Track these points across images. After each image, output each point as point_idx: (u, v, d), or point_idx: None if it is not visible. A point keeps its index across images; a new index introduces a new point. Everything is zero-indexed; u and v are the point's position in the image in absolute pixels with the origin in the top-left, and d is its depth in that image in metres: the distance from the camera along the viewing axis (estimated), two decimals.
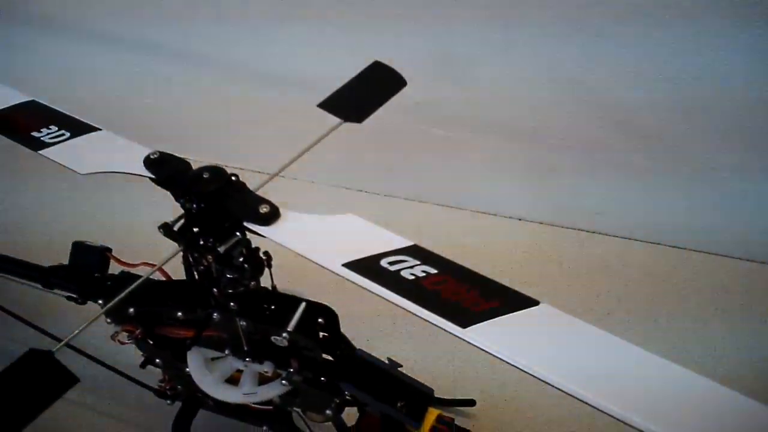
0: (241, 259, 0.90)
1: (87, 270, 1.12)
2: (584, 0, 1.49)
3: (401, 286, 0.70)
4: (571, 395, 0.60)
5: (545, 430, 1.39)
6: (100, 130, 0.98)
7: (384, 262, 0.72)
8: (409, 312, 0.68)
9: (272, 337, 0.94)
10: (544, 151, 1.79)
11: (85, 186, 1.84)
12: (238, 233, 0.86)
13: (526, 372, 0.62)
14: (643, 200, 1.79)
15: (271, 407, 1.12)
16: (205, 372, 1.07)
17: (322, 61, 1.73)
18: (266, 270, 0.97)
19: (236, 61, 1.91)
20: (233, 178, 0.86)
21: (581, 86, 1.62)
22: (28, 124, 0.98)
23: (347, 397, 1.04)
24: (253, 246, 0.93)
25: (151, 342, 1.10)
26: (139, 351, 1.15)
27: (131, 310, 1.03)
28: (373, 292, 0.70)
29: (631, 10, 1.47)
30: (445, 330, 0.66)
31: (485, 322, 0.65)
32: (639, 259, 1.79)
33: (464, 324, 0.65)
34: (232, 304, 0.94)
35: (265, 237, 0.80)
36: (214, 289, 0.95)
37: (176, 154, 0.90)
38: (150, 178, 0.88)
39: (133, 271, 1.09)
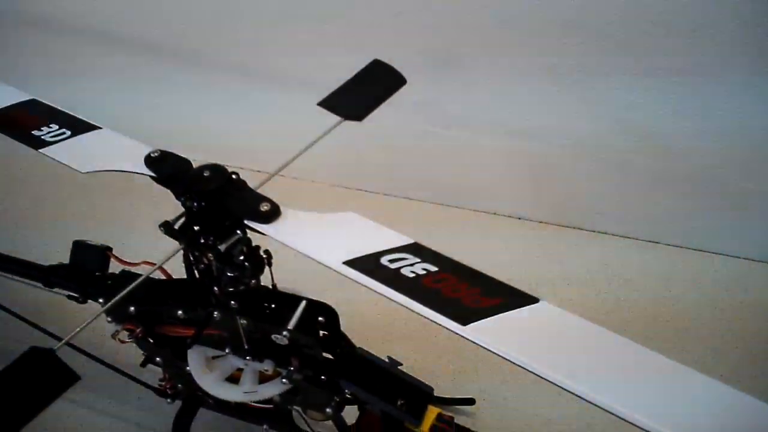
0: (241, 258, 0.91)
1: (87, 269, 1.13)
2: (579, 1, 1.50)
3: (402, 283, 0.70)
4: (570, 392, 0.60)
5: (544, 428, 1.40)
6: (101, 128, 0.98)
7: (384, 260, 0.73)
8: (410, 309, 0.68)
9: (272, 336, 0.95)
10: (545, 151, 1.79)
11: (85, 184, 1.85)
12: (238, 231, 0.87)
13: (525, 369, 0.62)
14: (642, 200, 1.79)
15: (271, 406, 1.12)
16: (206, 370, 1.07)
17: (321, 59, 1.73)
18: (266, 269, 0.97)
19: (236, 59, 1.91)
20: (234, 176, 0.86)
21: (581, 85, 1.63)
22: (28, 122, 0.98)
23: (347, 396, 1.04)
24: (254, 244, 0.93)
25: (152, 341, 1.10)
26: (139, 350, 1.15)
27: (132, 308, 1.04)
28: (373, 290, 0.70)
29: (631, 8, 1.48)
30: (446, 327, 0.66)
31: (485, 320, 0.66)
32: (638, 258, 1.79)
33: (464, 321, 0.66)
34: (232, 302, 0.94)
35: (265, 235, 0.81)
36: (215, 288, 0.95)
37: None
38: (151, 177, 0.89)
39: (133, 270, 1.09)
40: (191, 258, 0.94)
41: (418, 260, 0.72)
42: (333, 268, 0.73)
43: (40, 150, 0.94)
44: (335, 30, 1.73)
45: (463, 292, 0.69)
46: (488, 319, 0.66)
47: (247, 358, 1.02)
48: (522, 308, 0.67)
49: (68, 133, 0.96)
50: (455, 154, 1.88)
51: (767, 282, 1.71)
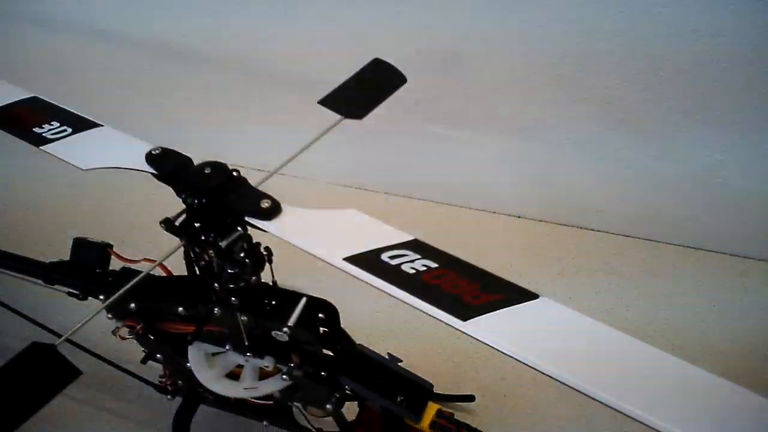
0: (242, 254, 0.91)
1: (88, 266, 1.13)
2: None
3: (402, 279, 0.70)
4: (570, 387, 0.60)
5: (544, 425, 1.40)
6: (102, 126, 0.98)
7: (385, 257, 0.73)
8: (410, 305, 0.68)
9: (273, 332, 0.95)
10: (544, 148, 1.79)
11: (86, 182, 1.86)
12: (239, 228, 0.87)
13: (525, 364, 0.62)
14: (642, 198, 1.80)
15: (271, 402, 1.12)
16: (206, 367, 1.07)
17: (322, 58, 1.73)
18: (267, 266, 0.97)
19: (236, 58, 1.92)
20: (234, 173, 0.86)
21: (581, 84, 1.63)
22: (29, 120, 0.98)
23: (347, 392, 1.04)
24: (254, 241, 0.94)
25: (152, 337, 1.10)
26: (139, 347, 1.15)
27: (132, 305, 1.04)
28: (373, 286, 0.71)
29: (630, 6, 1.48)
30: (445, 323, 0.66)
31: (485, 315, 0.66)
32: (638, 256, 1.79)
33: (464, 317, 0.66)
34: (233, 299, 0.95)
35: (266, 232, 0.81)
36: (215, 284, 0.95)
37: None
38: (152, 174, 0.89)
39: (134, 267, 1.10)
40: (192, 255, 0.95)
41: (418, 257, 0.73)
42: (333, 264, 0.74)
43: (41, 147, 0.95)
44: (336, 28, 1.74)
45: (463, 288, 0.69)
46: (488, 314, 0.66)
47: (248, 354, 1.02)
48: (521, 304, 0.67)
49: (69, 130, 0.97)
50: (455, 152, 1.88)
51: (767, 281, 1.71)
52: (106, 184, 1.87)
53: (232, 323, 0.99)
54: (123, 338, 1.10)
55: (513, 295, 0.68)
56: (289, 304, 0.95)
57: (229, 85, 1.98)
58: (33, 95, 1.04)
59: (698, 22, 1.45)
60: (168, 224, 0.88)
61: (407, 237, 0.76)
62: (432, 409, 1.01)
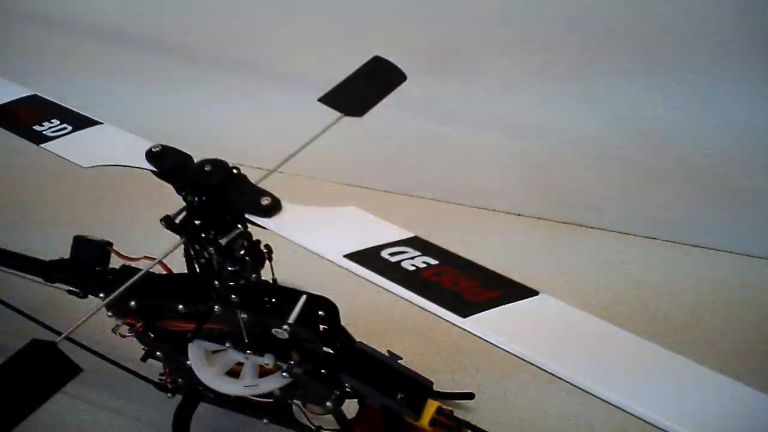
0: (242, 252, 0.91)
1: (88, 264, 1.13)
2: None
3: (402, 276, 0.70)
4: (570, 383, 0.60)
5: (543, 423, 1.40)
6: (102, 123, 0.98)
7: (385, 253, 0.73)
8: (410, 302, 0.68)
9: (273, 330, 0.95)
10: (543, 147, 1.79)
11: (86, 180, 1.86)
12: (239, 226, 0.87)
13: (525, 360, 0.62)
14: (641, 196, 1.80)
15: (271, 400, 1.12)
16: (206, 365, 1.08)
17: (322, 55, 1.73)
18: (267, 264, 0.97)
19: (236, 55, 1.92)
20: (234, 170, 0.86)
21: (580, 82, 1.63)
22: (30, 117, 0.98)
23: (347, 390, 1.04)
24: (254, 239, 0.94)
25: (152, 335, 1.10)
26: (139, 344, 1.16)
27: (132, 303, 1.04)
28: (373, 283, 0.71)
29: (632, 6, 1.48)
30: (445, 319, 0.66)
31: (485, 312, 0.66)
32: (636, 254, 1.80)
33: (464, 314, 0.66)
34: (233, 296, 0.95)
35: (266, 229, 0.81)
36: (215, 282, 0.96)
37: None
38: (152, 171, 0.89)
39: (134, 264, 1.10)
40: (192, 252, 0.95)
41: (418, 253, 0.73)
42: (334, 261, 0.74)
43: (41, 145, 0.95)
44: (336, 26, 1.74)
45: (463, 285, 0.69)
46: (488, 311, 0.66)
47: (248, 352, 1.02)
48: (521, 300, 0.67)
49: (69, 128, 0.97)
50: (454, 150, 1.88)
51: (766, 278, 1.71)
52: (105, 182, 1.87)
53: (232, 321, 0.99)
54: (123, 336, 1.10)
55: (512, 291, 0.68)
56: (289, 302, 0.95)
57: (229, 83, 1.98)
58: (33, 93, 1.04)
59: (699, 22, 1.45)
60: (168, 222, 0.88)
61: (407, 234, 0.76)
62: (432, 406, 1.01)
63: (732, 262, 1.75)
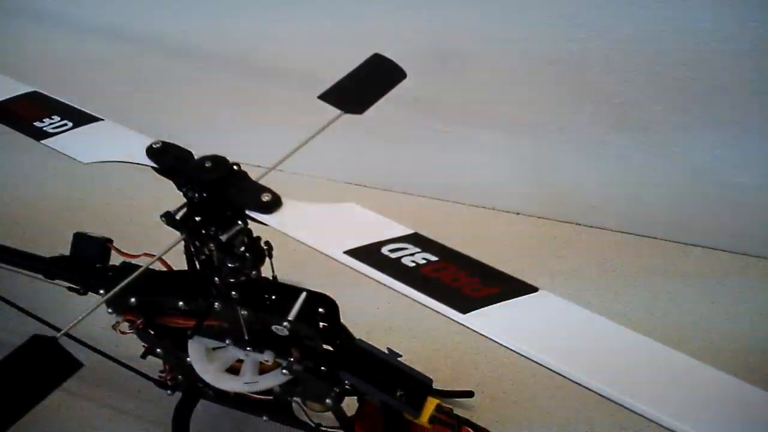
0: (242, 248, 0.91)
1: (88, 261, 1.13)
2: None
3: (402, 272, 0.70)
4: (569, 379, 0.60)
5: (543, 421, 1.40)
6: (103, 120, 0.99)
7: (385, 250, 0.73)
8: (410, 298, 0.69)
9: (273, 327, 0.95)
10: (543, 146, 1.79)
11: (86, 176, 1.86)
12: (239, 222, 0.87)
13: (524, 356, 0.63)
14: (640, 194, 1.80)
15: (271, 397, 1.12)
16: (206, 361, 1.07)
17: (322, 53, 1.73)
18: (267, 261, 0.98)
19: (237, 53, 1.92)
20: (235, 167, 0.86)
21: (580, 81, 1.63)
22: (30, 114, 0.99)
23: (347, 387, 1.04)
24: (254, 236, 0.94)
25: (152, 332, 1.10)
26: (139, 341, 1.16)
27: (132, 300, 1.04)
28: (374, 279, 0.71)
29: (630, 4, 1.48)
30: (445, 315, 0.67)
31: (485, 308, 0.66)
32: (636, 252, 1.80)
33: (464, 310, 0.66)
34: (233, 293, 0.95)
35: (267, 225, 0.81)
36: (216, 279, 0.96)
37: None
38: (152, 168, 0.89)
39: (134, 261, 1.10)
40: (192, 249, 0.95)
41: (418, 250, 0.73)
42: (334, 257, 0.74)
43: (42, 141, 0.95)
44: (336, 24, 1.74)
45: (463, 281, 0.69)
46: (488, 307, 0.66)
47: (248, 349, 1.03)
48: (521, 297, 0.67)
49: (70, 124, 0.97)
50: (454, 149, 1.88)
51: (764, 277, 1.71)
52: (106, 179, 1.87)
53: (233, 318, 0.99)
54: (123, 333, 1.10)
55: (512, 288, 0.68)
56: (289, 299, 0.95)
57: (229, 81, 1.98)
58: (34, 89, 1.04)
59: (699, 23, 1.45)
60: (169, 218, 0.88)
61: (407, 230, 0.76)
62: (431, 404, 1.00)
63: (730, 261, 1.75)
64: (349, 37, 1.69)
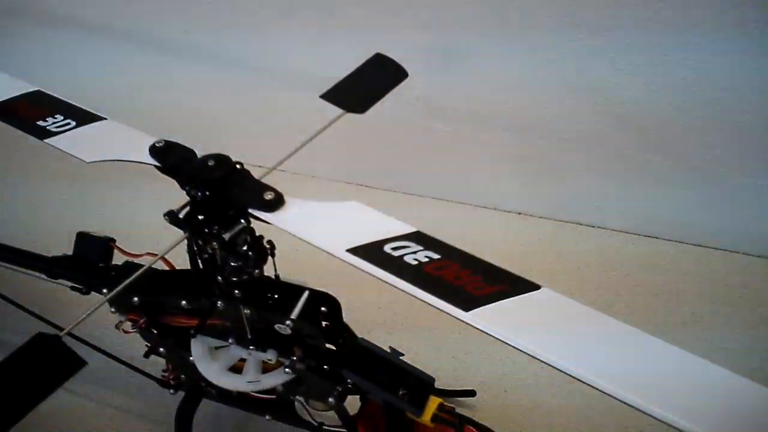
0: (245, 247, 0.91)
1: (91, 260, 1.13)
2: None
3: (404, 271, 0.71)
4: (572, 376, 0.60)
5: (545, 420, 1.40)
6: (106, 119, 0.99)
7: (387, 248, 0.73)
8: (412, 296, 0.69)
9: (276, 326, 0.95)
10: (544, 146, 1.80)
11: (89, 176, 1.86)
12: (242, 221, 0.87)
13: (527, 353, 0.63)
14: (641, 194, 1.80)
15: (274, 396, 1.13)
16: (209, 360, 1.08)
17: (324, 53, 1.73)
18: (270, 260, 0.98)
19: (238, 52, 1.92)
20: (238, 166, 0.87)
21: (581, 81, 1.63)
22: (33, 113, 0.99)
23: (349, 386, 1.04)
24: (257, 234, 0.94)
25: (155, 331, 1.11)
26: (142, 341, 1.16)
27: (135, 299, 1.04)
28: (376, 277, 0.71)
29: (630, 5, 1.48)
30: (448, 313, 0.67)
31: (487, 306, 0.66)
32: (637, 252, 1.80)
33: (466, 307, 0.66)
34: (236, 292, 0.95)
35: (269, 223, 0.81)
36: (218, 278, 0.96)
37: None
38: (155, 166, 0.89)
39: (136, 261, 1.10)
40: (195, 248, 0.95)
41: (421, 248, 0.73)
42: (336, 255, 0.74)
43: (45, 140, 0.95)
44: (338, 23, 1.74)
45: (465, 279, 0.69)
46: (490, 305, 0.66)
47: (250, 348, 1.03)
48: (523, 295, 0.68)
49: (73, 123, 0.97)
50: (456, 149, 1.89)
51: (765, 277, 1.71)
52: (109, 178, 1.87)
53: (235, 316, 0.99)
54: (126, 332, 1.11)
55: (515, 285, 0.69)
56: (291, 298, 0.95)
57: (231, 80, 1.98)
58: (36, 89, 1.05)
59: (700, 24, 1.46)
60: (172, 216, 0.88)
61: (410, 229, 0.76)
62: (434, 402, 1.00)
63: (732, 261, 1.75)
64: (351, 36, 1.69)
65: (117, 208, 1.92)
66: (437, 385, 1.02)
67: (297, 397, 1.12)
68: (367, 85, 1.16)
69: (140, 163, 0.89)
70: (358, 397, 1.13)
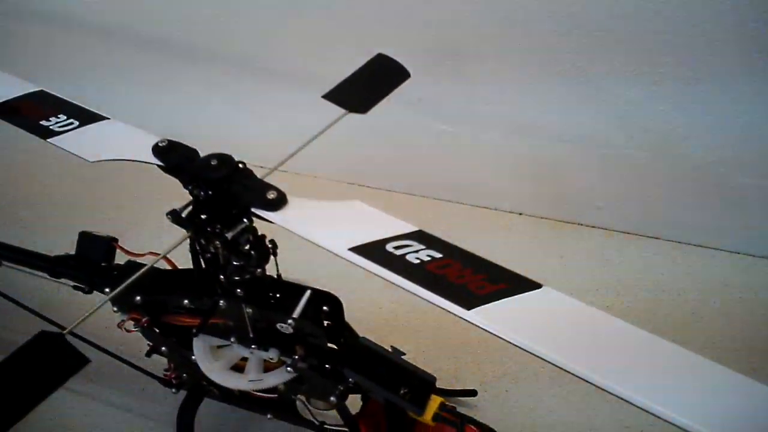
0: (247, 246, 0.92)
1: (93, 260, 1.14)
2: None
3: (407, 269, 0.71)
4: (574, 374, 0.61)
5: (546, 419, 1.41)
6: (109, 119, 0.99)
7: (390, 247, 0.74)
8: (415, 294, 0.69)
9: (278, 325, 0.96)
10: (545, 146, 1.80)
11: (92, 175, 1.86)
12: (245, 220, 0.88)
13: (529, 352, 0.63)
14: (642, 195, 1.80)
15: (275, 395, 1.13)
16: (211, 359, 1.08)
17: (326, 53, 1.74)
18: (272, 260, 0.98)
19: (241, 53, 1.92)
20: (240, 165, 0.87)
21: (582, 81, 1.63)
22: (36, 113, 0.99)
23: (351, 385, 1.05)
24: (259, 234, 0.94)
25: (158, 330, 1.11)
26: (144, 340, 1.16)
27: (138, 298, 1.05)
28: (379, 276, 0.71)
29: (632, 5, 1.49)
30: (450, 312, 0.67)
31: (489, 304, 0.66)
32: (638, 253, 1.80)
33: (469, 306, 0.66)
34: (238, 291, 0.95)
35: (272, 222, 0.81)
36: (221, 277, 0.96)
37: None
38: (158, 166, 0.90)
39: (139, 260, 1.10)
40: (198, 247, 0.95)
41: (423, 247, 0.73)
42: (339, 254, 0.74)
43: (48, 140, 0.95)
44: (341, 24, 1.74)
45: (468, 278, 0.69)
46: (492, 303, 0.66)
47: (252, 347, 1.03)
48: (525, 293, 0.68)
49: (76, 123, 0.98)
50: (457, 149, 1.89)
51: (766, 277, 1.71)
52: (111, 177, 1.88)
53: (237, 316, 1.00)
54: (128, 331, 1.11)
55: (516, 284, 0.69)
56: (293, 297, 0.95)
57: (234, 80, 1.98)
58: (40, 89, 1.05)
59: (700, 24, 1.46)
60: (175, 216, 0.89)
61: (412, 228, 0.76)
62: (435, 402, 1.01)
63: (733, 262, 1.75)
64: (354, 37, 1.70)
65: (119, 207, 1.93)
66: (438, 384, 1.02)
67: (298, 396, 1.12)
68: (370, 85, 1.16)
69: (143, 162, 0.90)
70: (359, 396, 1.14)
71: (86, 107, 1.01)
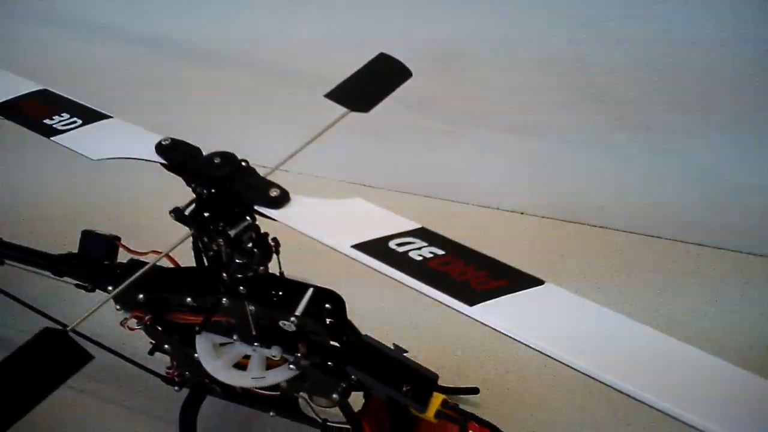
0: (250, 244, 0.92)
1: (96, 258, 1.14)
2: None
3: (409, 266, 0.71)
4: (576, 369, 0.61)
5: (548, 417, 1.41)
6: (111, 117, 0.99)
7: (392, 244, 0.74)
8: (418, 291, 0.69)
9: (280, 322, 0.96)
10: (546, 145, 1.80)
11: (95, 174, 1.87)
12: (248, 217, 0.88)
13: (532, 348, 0.63)
14: (643, 194, 1.80)
15: (278, 393, 1.13)
16: (214, 357, 1.08)
17: (328, 53, 1.74)
18: (274, 258, 0.98)
19: (244, 52, 1.93)
20: (243, 163, 0.87)
21: (583, 81, 1.64)
22: (40, 111, 1.00)
23: (353, 382, 1.05)
24: (262, 232, 0.95)
25: (160, 328, 1.11)
26: (147, 338, 1.16)
27: (140, 296, 1.05)
28: (381, 273, 0.71)
29: (631, 5, 1.49)
30: (452, 308, 0.67)
31: (492, 301, 0.67)
32: (639, 252, 1.80)
33: (471, 302, 0.67)
34: (241, 288, 0.96)
35: (275, 220, 0.82)
36: (224, 274, 0.96)
37: None
38: (161, 164, 0.90)
39: (141, 258, 1.11)
40: (200, 245, 0.95)
41: (425, 244, 0.74)
42: (341, 251, 0.74)
43: (51, 138, 0.96)
44: (343, 24, 1.74)
45: (470, 275, 0.70)
46: (495, 300, 0.67)
47: (255, 344, 1.03)
48: (528, 290, 0.68)
49: (79, 121, 0.98)
50: (458, 149, 1.89)
51: (766, 276, 1.72)
52: (114, 176, 1.88)
53: (240, 313, 1.00)
54: (131, 329, 1.11)
55: (519, 280, 0.69)
56: (296, 295, 0.96)
57: (235, 80, 1.98)
58: (43, 87, 1.05)
59: (700, 27, 1.46)
60: (178, 213, 0.89)
61: (414, 225, 0.77)
62: (437, 399, 1.01)
63: (734, 261, 1.75)
64: (355, 36, 1.70)
65: (122, 205, 1.93)
66: (440, 382, 1.02)
67: (301, 393, 1.12)
68: (372, 84, 1.17)
69: (146, 160, 0.90)
70: (362, 393, 1.14)
71: (89, 106, 1.02)
